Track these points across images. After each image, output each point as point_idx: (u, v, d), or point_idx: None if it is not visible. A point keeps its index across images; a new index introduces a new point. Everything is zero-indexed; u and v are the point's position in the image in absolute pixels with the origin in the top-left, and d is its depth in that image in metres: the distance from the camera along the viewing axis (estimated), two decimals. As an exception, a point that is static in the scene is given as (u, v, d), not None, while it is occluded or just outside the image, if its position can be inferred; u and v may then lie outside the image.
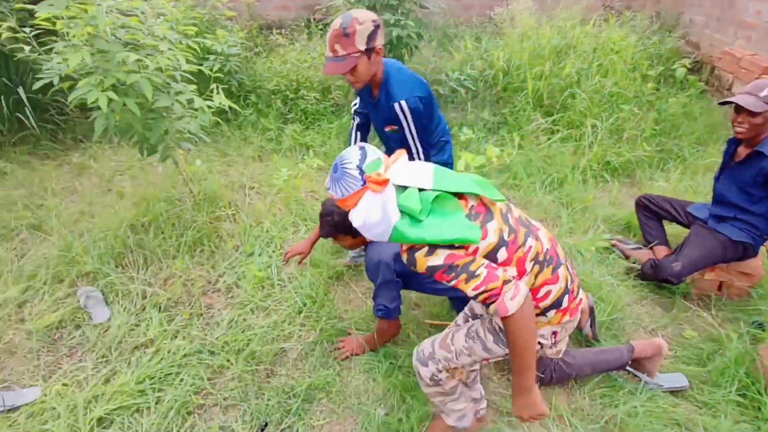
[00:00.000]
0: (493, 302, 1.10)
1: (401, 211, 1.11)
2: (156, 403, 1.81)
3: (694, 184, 3.11)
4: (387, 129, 1.98)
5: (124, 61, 2.05)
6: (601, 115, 3.53)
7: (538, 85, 3.75)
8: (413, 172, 1.16)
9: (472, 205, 1.18)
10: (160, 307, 2.23)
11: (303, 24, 5.01)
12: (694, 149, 3.49)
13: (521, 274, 1.18)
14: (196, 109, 2.24)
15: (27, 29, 2.18)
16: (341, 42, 1.65)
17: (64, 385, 1.88)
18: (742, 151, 2.13)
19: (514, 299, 1.08)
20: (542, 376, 1.79)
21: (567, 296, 1.26)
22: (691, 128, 3.64)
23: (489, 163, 3.11)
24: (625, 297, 2.31)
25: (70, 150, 3.56)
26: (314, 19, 4.87)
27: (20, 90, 3.30)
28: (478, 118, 3.90)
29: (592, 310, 2.05)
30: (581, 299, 1.32)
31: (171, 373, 1.92)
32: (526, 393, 1.18)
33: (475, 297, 1.11)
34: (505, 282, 1.09)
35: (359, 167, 1.15)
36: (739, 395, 1.80)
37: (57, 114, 3.69)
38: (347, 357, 2.00)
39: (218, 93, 2.16)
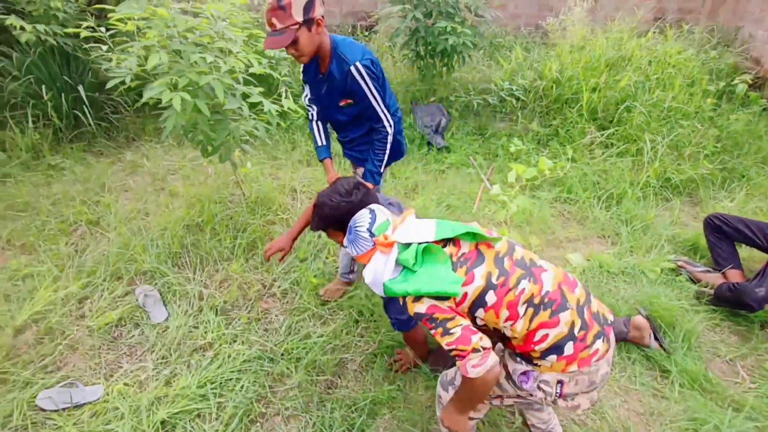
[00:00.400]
0: (459, 360, 1.17)
1: (402, 265, 1.23)
2: (218, 409, 1.78)
3: (763, 206, 2.95)
4: (342, 104, 1.91)
5: (196, 63, 2.06)
6: (660, 130, 3.40)
7: (592, 98, 3.65)
8: (418, 229, 1.26)
9: (463, 252, 1.24)
10: (216, 310, 2.22)
11: (348, 30, 5.03)
12: (760, 169, 3.33)
13: (514, 317, 1.20)
14: (260, 112, 2.23)
15: (102, 29, 2.21)
16: (278, 15, 1.64)
17: (126, 384, 1.87)
18: None
19: (475, 368, 1.14)
20: None
21: (571, 343, 1.20)
22: (756, 147, 3.47)
23: (541, 175, 3.03)
24: (699, 323, 2.19)
25: (123, 148, 3.62)
26: (360, 26, 4.89)
27: (80, 88, 3.38)
28: (527, 129, 3.82)
29: (649, 320, 1.94)
30: (597, 350, 1.22)
31: (231, 379, 1.89)
32: (459, 414, 1.31)
33: (448, 351, 1.18)
34: (474, 350, 1.15)
35: (369, 230, 1.27)
36: (838, 438, 1.66)
37: (111, 113, 3.77)
38: (407, 369, 1.94)
39: (287, 97, 2.15)
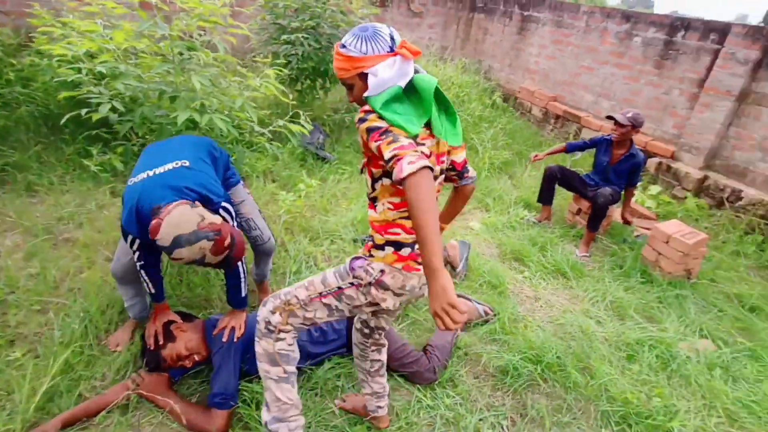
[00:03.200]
0: (396, 163, 1.08)
1: (408, 89, 1.22)
2: None
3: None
4: None
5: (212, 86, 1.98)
6: (478, 130, 4.81)
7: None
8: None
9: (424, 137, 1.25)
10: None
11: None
12: (534, 150, 5.13)
13: (396, 208, 1.30)
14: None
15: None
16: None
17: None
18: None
19: (410, 164, 1.04)
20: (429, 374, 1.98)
21: (409, 249, 1.34)
22: (523, 139, 5.31)
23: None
24: (575, 242, 3.44)
25: None
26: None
27: None
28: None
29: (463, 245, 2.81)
30: (419, 269, 1.37)
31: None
32: (433, 275, 1.02)
33: (389, 160, 1.10)
34: (414, 151, 1.08)
35: (391, 36, 1.23)
36: None
37: None
38: None
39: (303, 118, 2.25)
